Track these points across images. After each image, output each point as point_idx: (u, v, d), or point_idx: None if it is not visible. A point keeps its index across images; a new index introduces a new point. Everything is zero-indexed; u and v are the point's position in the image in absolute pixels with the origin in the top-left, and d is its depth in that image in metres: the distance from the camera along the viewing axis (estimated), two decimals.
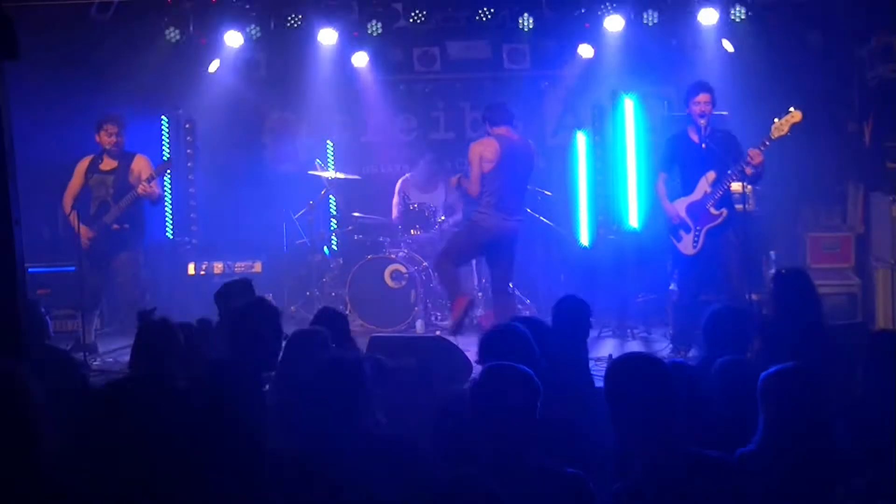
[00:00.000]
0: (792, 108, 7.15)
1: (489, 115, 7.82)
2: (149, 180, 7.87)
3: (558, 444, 3.56)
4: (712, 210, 7.38)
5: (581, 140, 9.52)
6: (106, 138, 7.92)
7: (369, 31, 9.22)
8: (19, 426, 2.93)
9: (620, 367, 3.33)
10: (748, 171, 7.20)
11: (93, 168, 7.99)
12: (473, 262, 9.55)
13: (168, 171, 8.57)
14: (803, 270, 6.00)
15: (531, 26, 9.31)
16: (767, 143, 7.14)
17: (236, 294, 5.81)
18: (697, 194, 7.44)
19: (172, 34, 9.27)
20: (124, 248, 7.93)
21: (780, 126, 7.13)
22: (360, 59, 9.70)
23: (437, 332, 8.34)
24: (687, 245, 7.50)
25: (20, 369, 3.12)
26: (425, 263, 9.09)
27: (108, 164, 8.00)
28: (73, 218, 7.79)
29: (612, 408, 3.26)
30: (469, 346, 7.85)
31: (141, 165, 7.97)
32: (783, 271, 6.02)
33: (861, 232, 9.01)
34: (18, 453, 2.91)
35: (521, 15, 9.22)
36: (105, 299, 8.40)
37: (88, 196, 8.03)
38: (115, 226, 7.88)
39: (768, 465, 3.41)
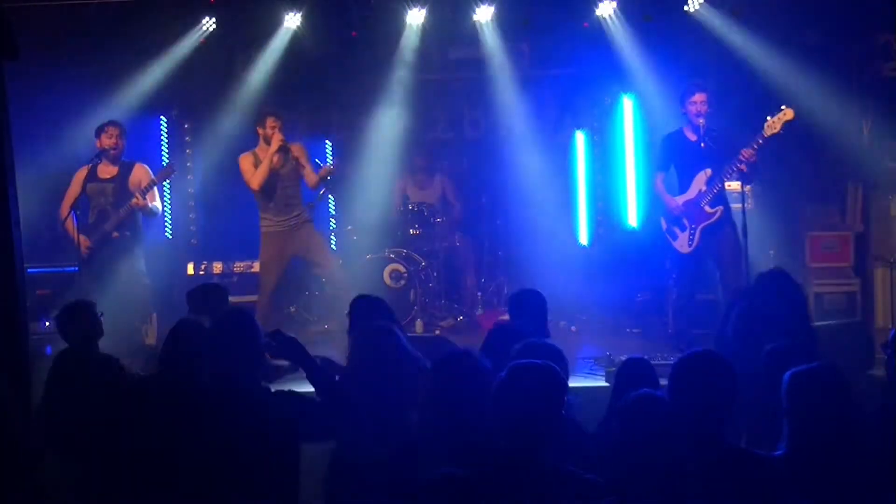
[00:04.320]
0: (784, 107, 7.18)
1: None
2: (148, 187, 7.85)
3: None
4: (707, 208, 7.39)
5: (580, 140, 9.53)
6: (106, 140, 7.89)
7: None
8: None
9: (688, 363, 3.51)
10: (743, 168, 7.22)
11: (91, 176, 7.94)
12: (472, 262, 9.59)
13: (169, 177, 8.52)
14: (781, 270, 6.01)
15: (531, 26, 9.32)
16: (761, 141, 7.17)
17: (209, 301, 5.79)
18: (692, 192, 7.46)
19: (171, 34, 9.27)
20: (125, 254, 7.91)
21: (773, 124, 7.15)
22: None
23: (437, 332, 8.35)
24: (682, 243, 7.51)
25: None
26: (424, 263, 9.10)
27: (106, 171, 7.94)
28: (70, 225, 7.77)
29: (673, 399, 3.45)
30: (468, 346, 7.88)
31: (140, 174, 7.94)
32: (761, 274, 6.06)
33: (860, 231, 9.01)
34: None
35: (521, 15, 9.22)
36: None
37: (86, 205, 8.00)
38: (115, 234, 7.86)
39: (800, 466, 3.44)
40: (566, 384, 3.38)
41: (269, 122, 8.14)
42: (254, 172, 8.15)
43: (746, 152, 7.16)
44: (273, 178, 8.17)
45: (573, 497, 3.23)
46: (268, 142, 8.12)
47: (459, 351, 3.80)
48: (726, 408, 3.41)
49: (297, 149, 8.29)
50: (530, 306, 5.34)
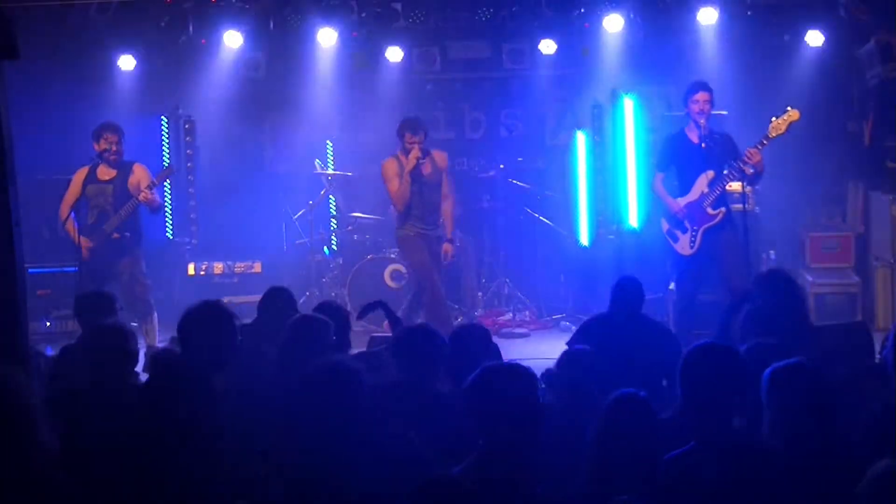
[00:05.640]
0: (789, 108, 7.16)
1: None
2: (150, 188, 7.84)
3: None
4: (709, 210, 7.37)
5: (581, 140, 9.52)
6: (105, 146, 7.87)
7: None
8: (16, 428, 2.92)
9: (699, 354, 3.53)
10: (747, 170, 7.20)
11: (90, 177, 7.91)
12: (473, 262, 9.58)
13: (169, 177, 8.51)
14: (782, 271, 6.01)
15: (531, 26, 9.31)
16: (765, 141, 7.15)
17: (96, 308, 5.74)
18: (694, 194, 7.43)
19: (172, 34, 9.27)
20: (125, 255, 7.90)
21: (778, 125, 7.13)
22: (360, 60, 9.69)
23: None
24: (684, 245, 7.49)
25: (15, 372, 3.13)
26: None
27: (106, 173, 7.92)
28: (71, 226, 7.76)
29: (683, 389, 3.49)
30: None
31: (140, 174, 7.92)
32: (763, 274, 6.07)
33: (861, 231, 9.01)
34: (15, 454, 2.90)
35: (521, 15, 9.21)
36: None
37: (86, 205, 7.99)
38: (116, 234, 7.85)
39: (783, 459, 3.45)
40: (535, 377, 3.45)
41: (407, 136, 7.86)
42: (397, 185, 7.85)
43: (752, 152, 7.14)
44: (417, 185, 7.89)
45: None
46: (407, 153, 7.84)
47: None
48: (737, 397, 3.44)
49: (440, 157, 8.07)
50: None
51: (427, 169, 7.91)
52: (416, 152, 7.77)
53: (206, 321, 4.33)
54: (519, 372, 3.43)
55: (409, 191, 7.83)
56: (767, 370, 3.60)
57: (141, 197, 7.75)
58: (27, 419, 2.96)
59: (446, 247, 8.07)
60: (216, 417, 3.84)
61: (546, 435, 3.46)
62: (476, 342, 4.70)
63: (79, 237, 7.75)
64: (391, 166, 7.94)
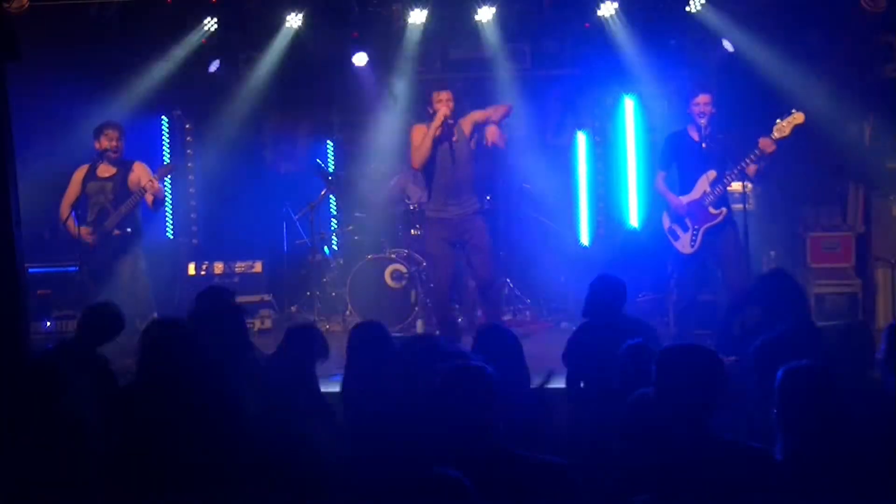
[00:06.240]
0: (794, 110, 7.15)
1: None
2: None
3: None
4: (711, 209, 7.38)
5: (581, 140, 9.53)
6: (106, 143, 7.87)
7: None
8: (65, 420, 2.93)
9: (674, 355, 3.49)
10: (750, 169, 7.20)
11: (90, 175, 7.92)
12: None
13: (170, 174, 8.50)
14: (782, 270, 6.01)
15: (531, 26, 9.31)
16: (773, 139, 7.14)
17: None
18: (696, 193, 7.44)
19: (173, 34, 9.27)
20: (126, 252, 7.90)
21: (782, 127, 7.13)
22: (360, 59, 9.70)
23: (438, 332, 8.33)
24: (684, 244, 7.50)
25: (61, 365, 3.15)
26: (425, 263, 9.09)
27: (106, 170, 7.93)
28: (72, 225, 7.76)
29: (658, 391, 3.45)
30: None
31: (140, 173, 7.92)
32: (763, 274, 6.07)
33: (861, 232, 9.01)
34: (66, 444, 2.91)
35: (522, 15, 9.21)
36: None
37: (86, 203, 7.99)
38: (116, 231, 7.85)
39: (793, 463, 3.45)
40: (490, 379, 3.45)
41: (434, 96, 7.47)
42: (419, 142, 7.28)
43: (765, 143, 7.11)
44: (441, 155, 7.37)
45: (543, 482, 3.31)
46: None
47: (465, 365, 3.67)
48: (713, 398, 3.39)
49: (466, 122, 7.53)
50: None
51: (455, 136, 7.45)
52: (444, 109, 7.33)
53: (215, 312, 4.30)
54: (459, 376, 3.45)
55: (431, 151, 7.32)
56: (779, 372, 3.59)
57: (148, 187, 7.71)
58: (74, 411, 2.97)
59: (490, 130, 7.53)
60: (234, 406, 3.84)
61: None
62: (500, 349, 4.64)
63: (79, 229, 7.76)
64: (419, 130, 7.53)
